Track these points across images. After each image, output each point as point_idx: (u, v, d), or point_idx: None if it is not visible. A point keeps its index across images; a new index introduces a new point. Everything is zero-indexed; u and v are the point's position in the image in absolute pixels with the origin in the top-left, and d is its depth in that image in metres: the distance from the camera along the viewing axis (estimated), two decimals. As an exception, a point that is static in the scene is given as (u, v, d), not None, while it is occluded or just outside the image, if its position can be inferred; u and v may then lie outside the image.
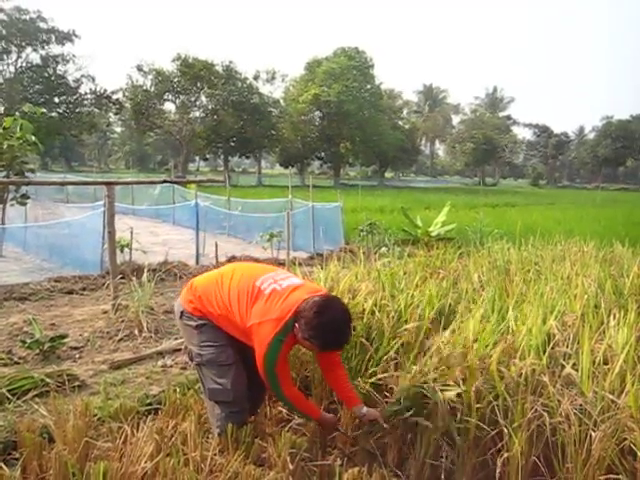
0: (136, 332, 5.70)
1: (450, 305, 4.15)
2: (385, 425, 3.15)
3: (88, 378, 4.53)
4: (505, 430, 2.89)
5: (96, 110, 52.08)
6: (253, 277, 3.13)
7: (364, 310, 3.93)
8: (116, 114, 56.24)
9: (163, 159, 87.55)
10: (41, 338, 5.05)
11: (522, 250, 6.91)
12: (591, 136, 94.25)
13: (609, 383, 2.89)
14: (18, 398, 3.94)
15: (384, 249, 9.72)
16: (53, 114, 46.60)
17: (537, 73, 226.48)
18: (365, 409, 3.16)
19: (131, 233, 8.97)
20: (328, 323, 2.87)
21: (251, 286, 3.06)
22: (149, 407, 3.83)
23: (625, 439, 2.69)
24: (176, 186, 18.89)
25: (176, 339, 5.58)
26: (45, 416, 3.47)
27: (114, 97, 51.93)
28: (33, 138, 9.61)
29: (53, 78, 49.82)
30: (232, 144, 57.09)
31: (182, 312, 3.29)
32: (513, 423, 2.87)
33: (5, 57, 50.38)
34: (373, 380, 3.42)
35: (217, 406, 3.18)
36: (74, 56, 51.30)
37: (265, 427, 3.52)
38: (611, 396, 2.80)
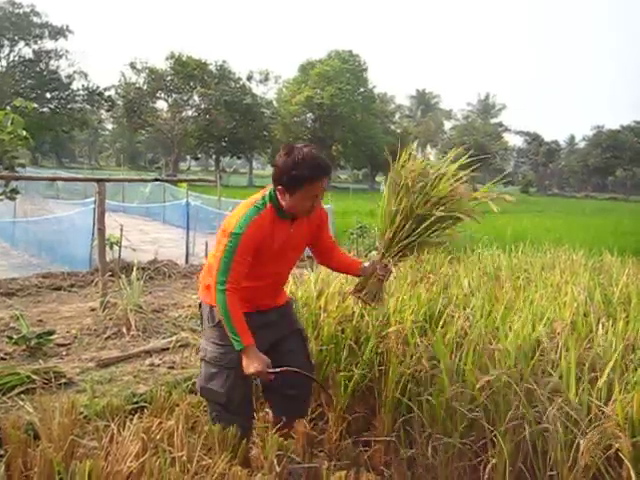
0: (124, 330, 5.67)
1: (440, 310, 4.15)
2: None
3: (75, 376, 4.50)
4: (491, 436, 2.90)
5: (88, 107, 51.93)
6: None
7: (354, 313, 3.93)
8: (108, 111, 56.09)
9: (154, 157, 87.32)
10: (28, 334, 5.02)
11: (512, 257, 6.94)
12: (582, 145, 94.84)
13: (596, 391, 2.90)
14: (3, 394, 3.91)
15: (374, 252, 9.72)
16: (44, 109, 46.47)
17: (529, 81, 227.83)
18: (368, 263, 3.20)
19: (121, 231, 8.93)
20: (303, 154, 2.78)
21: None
22: (136, 406, 3.81)
23: (611, 446, 2.70)
24: (167, 185, 18.86)
25: (164, 338, 5.56)
26: (31, 413, 3.45)
27: (106, 94, 51.81)
28: (24, 133, 9.54)
29: (45, 73, 49.65)
30: (224, 144, 57.07)
31: (200, 303, 3.19)
32: (499, 429, 2.88)
33: (-3, 51, 50.12)
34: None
35: (209, 404, 3.13)
36: (67, 52, 51.21)
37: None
38: (598, 403, 2.81)
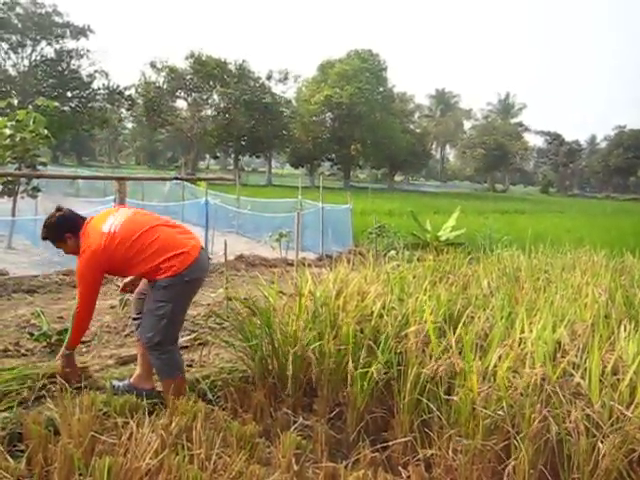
0: (143, 328, 5.69)
1: (459, 311, 4.13)
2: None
3: (94, 372, 4.53)
4: (512, 438, 2.87)
5: (108, 105, 52.28)
6: None
7: (372, 313, 3.92)
8: (128, 110, 56.43)
9: (173, 156, 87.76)
10: (48, 331, 5.06)
11: (532, 257, 6.87)
12: (603, 145, 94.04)
13: (619, 394, 2.86)
14: (25, 390, 3.94)
15: (393, 252, 9.70)
16: (65, 108, 46.78)
17: (550, 80, 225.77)
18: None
19: (140, 229, 8.95)
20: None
21: None
22: (155, 403, 3.82)
23: (634, 450, 2.67)
24: (186, 183, 18.92)
25: (182, 336, 5.57)
26: (51, 409, 3.47)
27: (126, 93, 52.16)
28: (45, 131, 9.65)
29: (67, 72, 50.13)
30: (243, 143, 57.18)
31: None
32: (520, 432, 2.85)
33: (20, 50, 50.74)
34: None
35: None
36: (88, 51, 51.65)
37: (270, 428, 3.51)
38: (620, 407, 2.77)
